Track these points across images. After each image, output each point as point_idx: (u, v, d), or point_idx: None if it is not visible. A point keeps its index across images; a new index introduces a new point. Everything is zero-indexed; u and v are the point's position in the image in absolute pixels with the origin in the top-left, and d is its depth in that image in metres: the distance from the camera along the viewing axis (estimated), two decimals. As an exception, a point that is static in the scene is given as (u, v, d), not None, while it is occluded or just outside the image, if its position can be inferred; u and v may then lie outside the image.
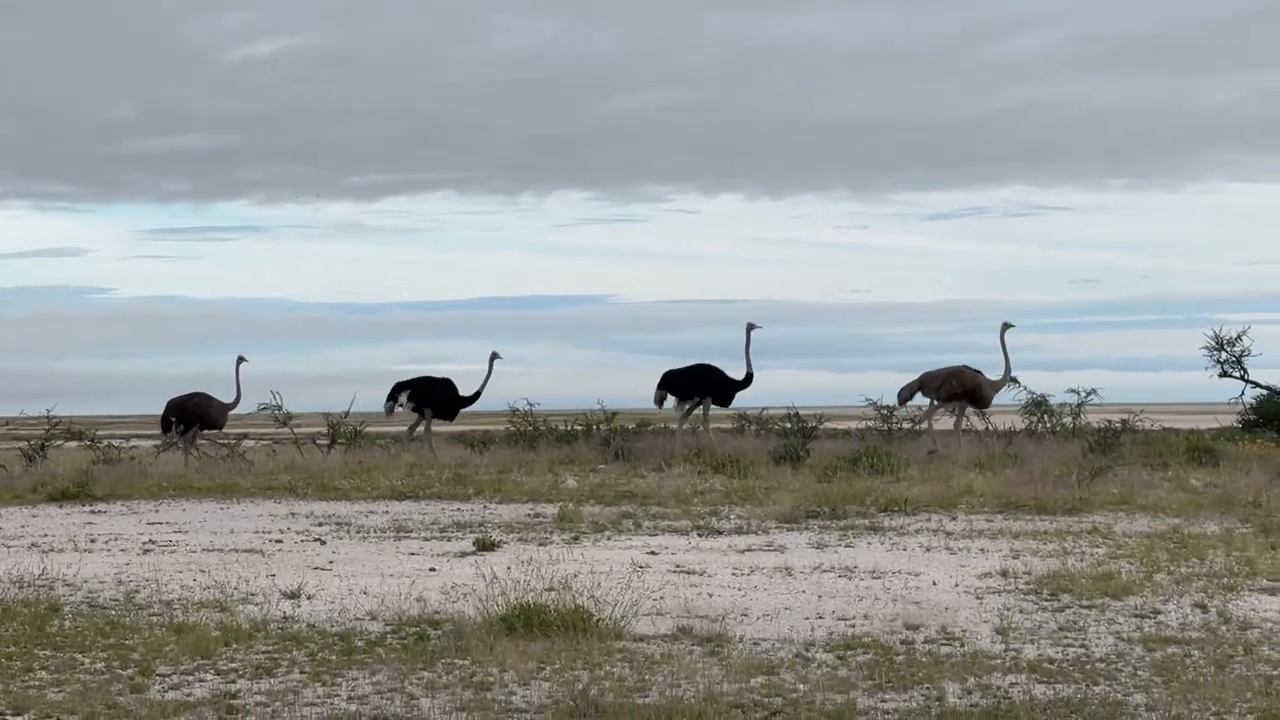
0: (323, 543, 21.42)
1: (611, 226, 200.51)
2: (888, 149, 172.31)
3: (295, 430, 42.26)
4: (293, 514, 25.68)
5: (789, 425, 44.23)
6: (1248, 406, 44.83)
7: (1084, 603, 15.50)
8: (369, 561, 19.20)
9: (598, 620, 13.57)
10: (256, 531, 22.91)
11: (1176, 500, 25.77)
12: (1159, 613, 14.93)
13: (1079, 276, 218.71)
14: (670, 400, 39.42)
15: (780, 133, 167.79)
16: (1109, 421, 42.09)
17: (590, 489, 29.28)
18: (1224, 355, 43.62)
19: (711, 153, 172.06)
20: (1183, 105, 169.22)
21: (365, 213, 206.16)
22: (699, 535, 22.08)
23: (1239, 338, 43.64)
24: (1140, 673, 12.18)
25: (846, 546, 20.57)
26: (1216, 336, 43.58)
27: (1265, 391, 44.64)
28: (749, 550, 20.24)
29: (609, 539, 21.62)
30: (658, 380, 39.32)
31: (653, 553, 19.97)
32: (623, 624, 13.68)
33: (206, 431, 38.93)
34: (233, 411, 39.17)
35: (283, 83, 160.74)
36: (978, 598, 16.06)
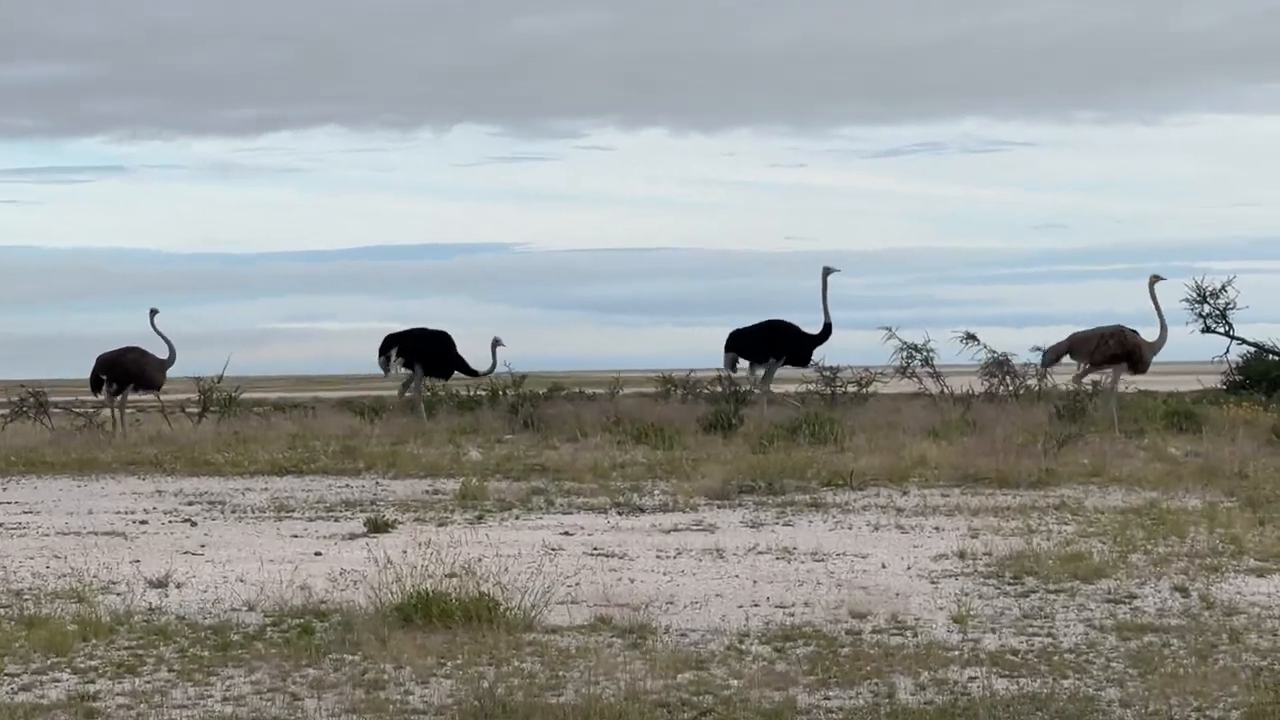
0: (193, 524, 21.35)
1: (519, 166, 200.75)
2: (830, 78, 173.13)
3: (161, 397, 42.05)
4: (159, 492, 25.59)
5: (719, 389, 44.24)
6: (1233, 366, 45.19)
7: (1051, 587, 15.59)
8: (246, 545, 19.15)
9: (505, 610, 13.58)
10: (118, 512, 22.81)
11: (1154, 471, 25.96)
12: (1134, 597, 15.05)
13: (1045, 220, 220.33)
14: (743, 364, 39.51)
15: (710, 59, 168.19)
16: (1078, 383, 42.30)
17: (496, 462, 29.28)
18: (1207, 309, 43.89)
19: (631, 82, 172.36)
20: (1159, 29, 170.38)
21: (240, 151, 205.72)
22: (619, 513, 22.12)
23: (1223, 289, 43.91)
24: (1114, 664, 12.26)
25: (785, 525, 20.65)
26: (1198, 287, 43.84)
27: (1252, 349, 44.96)
28: (675, 530, 20.29)
29: (517, 518, 21.63)
30: (724, 342, 39.35)
31: (567, 533, 20.00)
32: (533, 614, 13.69)
33: (142, 393, 38.81)
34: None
35: (147, 3, 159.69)
36: (932, 582, 16.15)
